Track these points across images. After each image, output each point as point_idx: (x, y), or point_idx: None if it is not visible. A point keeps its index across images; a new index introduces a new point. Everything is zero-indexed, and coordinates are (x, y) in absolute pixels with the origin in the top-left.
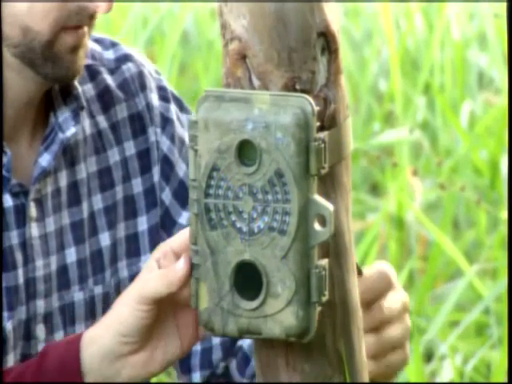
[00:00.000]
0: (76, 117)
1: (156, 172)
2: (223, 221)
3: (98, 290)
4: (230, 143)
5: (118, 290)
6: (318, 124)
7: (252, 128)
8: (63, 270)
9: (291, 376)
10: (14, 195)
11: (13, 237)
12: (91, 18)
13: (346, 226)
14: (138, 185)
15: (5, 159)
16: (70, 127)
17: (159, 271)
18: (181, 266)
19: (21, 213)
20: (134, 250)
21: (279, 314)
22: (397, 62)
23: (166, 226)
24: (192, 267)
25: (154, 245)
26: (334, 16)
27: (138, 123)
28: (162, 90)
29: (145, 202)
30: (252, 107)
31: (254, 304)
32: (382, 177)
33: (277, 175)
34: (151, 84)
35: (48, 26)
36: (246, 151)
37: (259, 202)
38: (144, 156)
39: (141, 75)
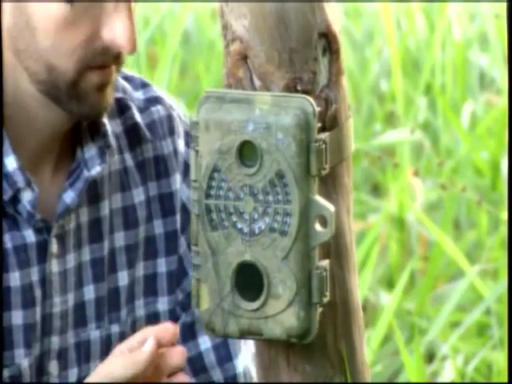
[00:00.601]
0: (102, 155)
1: (178, 219)
2: (224, 221)
3: (115, 328)
4: (231, 144)
5: (134, 328)
6: (319, 125)
7: (253, 129)
8: (80, 307)
9: (292, 376)
10: (37, 231)
11: (33, 273)
12: (117, 57)
13: (346, 226)
14: (159, 226)
15: (32, 196)
16: (96, 165)
17: (126, 356)
18: (147, 349)
19: (42, 249)
20: (151, 289)
21: (280, 314)
22: (398, 62)
23: (178, 276)
24: (193, 268)
25: (171, 290)
26: (335, 16)
27: (163, 166)
28: (188, 136)
29: (165, 245)
30: (253, 108)
31: (255, 305)
32: (383, 177)
33: (278, 176)
34: (179, 128)
35: (73, 65)
36: (246, 152)
37: (260, 202)
38: (166, 200)
39: (170, 119)
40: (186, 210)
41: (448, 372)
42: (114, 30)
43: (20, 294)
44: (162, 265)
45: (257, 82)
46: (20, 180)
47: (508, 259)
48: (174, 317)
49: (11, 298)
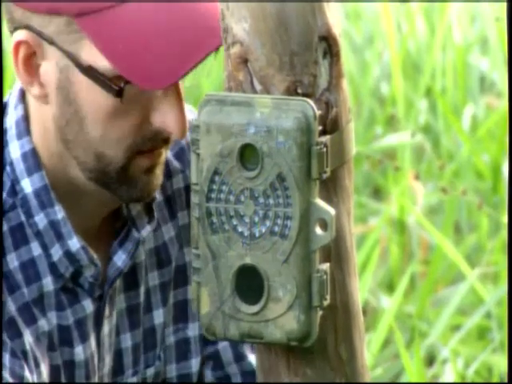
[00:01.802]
0: (150, 212)
1: None
2: (225, 225)
3: (150, 371)
4: (232, 147)
5: (164, 356)
6: (320, 128)
7: (254, 132)
8: (118, 355)
9: (292, 380)
10: (94, 299)
11: (92, 342)
12: (166, 141)
13: (347, 229)
14: (190, 253)
15: (95, 271)
16: (145, 225)
17: None
18: None
19: (97, 315)
20: (181, 316)
21: (280, 318)
22: (398, 65)
23: None
24: (193, 271)
25: None
26: (336, 19)
27: None
28: None
29: None
30: (254, 111)
31: (256, 308)
32: (383, 180)
33: (278, 179)
34: None
35: (122, 153)
36: (247, 155)
37: (261, 206)
38: None
39: None
40: None
41: (448, 375)
42: (164, 116)
43: (84, 367)
44: None
45: (257, 85)
46: (83, 258)
47: (508, 263)
48: (203, 342)
49: (75, 371)
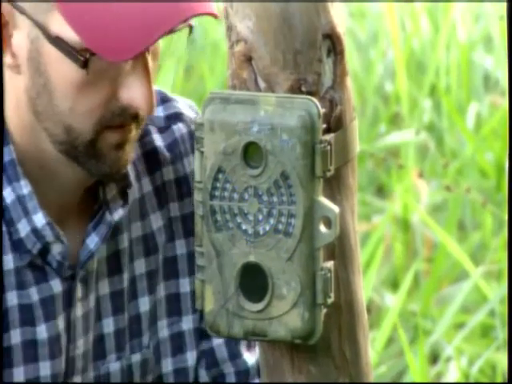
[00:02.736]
0: (124, 195)
1: None
2: (229, 223)
3: (136, 358)
4: (236, 145)
5: (158, 350)
6: (324, 126)
7: (258, 130)
8: (99, 339)
9: (296, 377)
10: (64, 279)
11: (60, 322)
12: (135, 117)
13: (351, 227)
14: (181, 246)
15: (62, 248)
16: (118, 208)
17: None
18: None
19: (67, 295)
20: (175, 309)
21: (285, 315)
22: (402, 63)
23: None
24: (197, 269)
25: (195, 309)
26: (340, 18)
27: (186, 186)
28: None
29: (188, 265)
30: (258, 109)
31: (260, 306)
32: (387, 178)
33: (282, 177)
34: None
35: (90, 126)
36: (251, 153)
37: (265, 204)
38: (189, 219)
39: (191, 135)
40: None
41: (452, 373)
42: (132, 91)
43: (47, 345)
44: (186, 285)
45: (261, 84)
46: (49, 234)
47: (508, 261)
48: (198, 335)
49: (38, 350)
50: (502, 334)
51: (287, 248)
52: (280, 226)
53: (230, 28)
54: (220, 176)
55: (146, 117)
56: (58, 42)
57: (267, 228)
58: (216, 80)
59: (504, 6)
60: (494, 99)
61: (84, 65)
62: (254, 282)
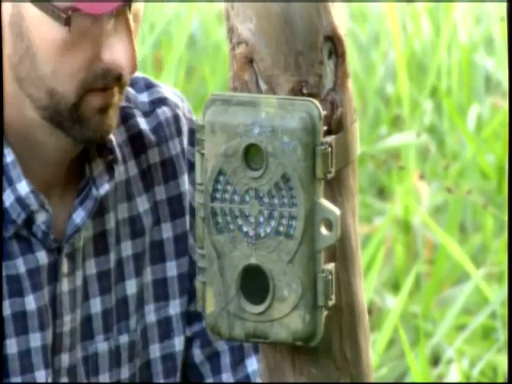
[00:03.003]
0: (110, 171)
1: (188, 221)
2: (230, 225)
3: (124, 339)
4: (237, 147)
5: (145, 335)
6: (325, 128)
7: (259, 132)
8: (87, 320)
9: (297, 379)
10: (50, 251)
11: (45, 295)
12: (118, 79)
13: (352, 229)
14: (167, 230)
15: (46, 217)
16: (104, 183)
17: None
18: None
19: (53, 269)
20: (162, 294)
21: (286, 318)
22: (404, 65)
23: (191, 277)
24: (198, 271)
25: (182, 292)
26: (341, 19)
27: (171, 168)
28: (192, 134)
29: (174, 248)
30: (259, 111)
31: (261, 308)
32: (388, 180)
33: (283, 179)
34: (184, 128)
35: (73, 89)
36: (252, 155)
37: (266, 206)
38: (175, 202)
39: (176, 119)
40: (193, 210)
41: (453, 375)
42: (114, 52)
43: (36, 316)
44: (173, 268)
45: (262, 85)
46: (33, 203)
47: (509, 263)
48: (185, 320)
49: (28, 321)
50: (503, 336)
51: (288, 250)
52: (281, 228)
53: (231, 30)
54: (221, 178)
55: (128, 80)
56: (40, 1)
57: (268, 230)
58: (217, 82)
59: (505, 7)
60: (495, 101)
61: (66, 22)
62: (255, 284)
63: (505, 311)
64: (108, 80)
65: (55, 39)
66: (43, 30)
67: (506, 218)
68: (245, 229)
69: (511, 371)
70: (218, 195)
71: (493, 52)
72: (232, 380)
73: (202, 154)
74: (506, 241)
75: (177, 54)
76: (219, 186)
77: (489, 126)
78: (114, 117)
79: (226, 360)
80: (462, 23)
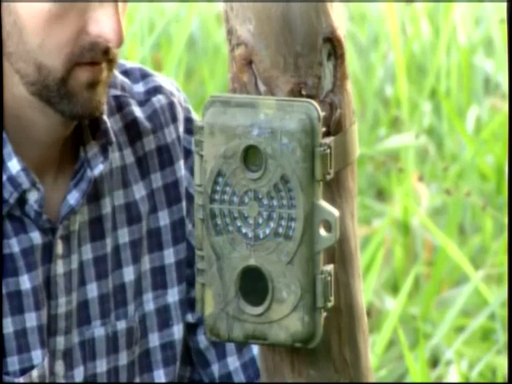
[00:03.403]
0: (105, 152)
1: (184, 207)
2: (229, 226)
3: (122, 325)
4: (236, 148)
5: (144, 323)
6: (324, 129)
7: (258, 133)
8: (84, 305)
9: (297, 381)
10: (43, 232)
11: (39, 275)
12: (105, 53)
13: (351, 231)
14: (164, 217)
15: (38, 196)
16: (99, 164)
17: None
18: None
19: (48, 250)
20: (160, 282)
21: (285, 319)
22: (403, 67)
23: (190, 263)
24: (197, 273)
25: (181, 279)
26: (340, 21)
27: (167, 155)
28: (188, 122)
29: (172, 235)
30: (258, 112)
31: (260, 309)
32: (387, 182)
33: (282, 181)
34: (180, 115)
35: (61, 63)
36: (251, 157)
37: (265, 207)
38: (171, 188)
39: (171, 106)
40: (189, 196)
41: (452, 377)
42: (101, 25)
43: (31, 296)
44: (170, 256)
45: (262, 87)
46: (25, 181)
47: (508, 265)
48: (184, 307)
49: (23, 300)
50: (502, 338)
51: (287, 251)
52: (280, 230)
53: (230, 31)
54: (220, 179)
55: (116, 55)
56: None
57: (267, 231)
58: (216, 83)
59: (505, 8)
60: (495, 103)
61: None
62: (254, 285)
63: (504, 313)
64: (95, 53)
65: (42, 12)
66: (30, 3)
67: (506, 219)
68: (244, 230)
69: (511, 372)
70: (217, 197)
71: (492, 54)
72: (237, 363)
73: (201, 156)
74: (505, 242)
75: (176, 56)
76: (218, 188)
77: (488, 127)
78: (103, 94)
79: (230, 344)
80: (461, 25)
